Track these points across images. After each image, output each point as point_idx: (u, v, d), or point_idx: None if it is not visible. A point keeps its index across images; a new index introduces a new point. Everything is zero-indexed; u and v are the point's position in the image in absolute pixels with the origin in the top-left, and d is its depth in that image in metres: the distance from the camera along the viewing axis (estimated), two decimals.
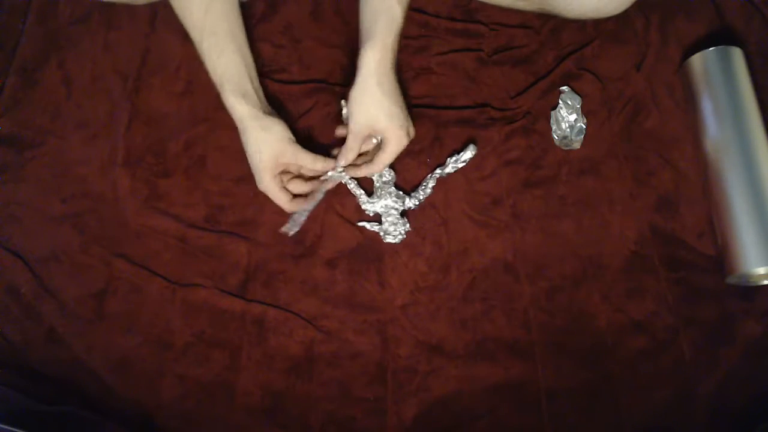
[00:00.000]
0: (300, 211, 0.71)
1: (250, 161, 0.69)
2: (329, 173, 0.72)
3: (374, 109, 0.66)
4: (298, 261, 0.72)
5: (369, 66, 0.65)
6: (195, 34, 0.70)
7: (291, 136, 0.69)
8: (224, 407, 0.66)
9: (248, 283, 0.71)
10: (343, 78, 0.81)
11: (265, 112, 0.69)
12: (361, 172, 0.71)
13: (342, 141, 0.71)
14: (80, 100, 0.81)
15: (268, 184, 0.68)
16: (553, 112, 0.76)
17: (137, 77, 0.82)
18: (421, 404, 0.65)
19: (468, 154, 0.74)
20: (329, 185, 0.72)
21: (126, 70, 0.82)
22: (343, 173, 0.72)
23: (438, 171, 0.74)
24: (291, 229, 0.71)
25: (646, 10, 0.82)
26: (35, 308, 0.70)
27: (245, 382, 0.67)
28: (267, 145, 0.67)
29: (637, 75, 0.79)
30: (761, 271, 0.66)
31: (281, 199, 0.69)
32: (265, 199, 0.74)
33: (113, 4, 0.85)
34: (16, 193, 0.76)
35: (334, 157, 0.71)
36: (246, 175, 0.76)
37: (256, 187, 0.75)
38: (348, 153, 0.69)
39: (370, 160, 0.70)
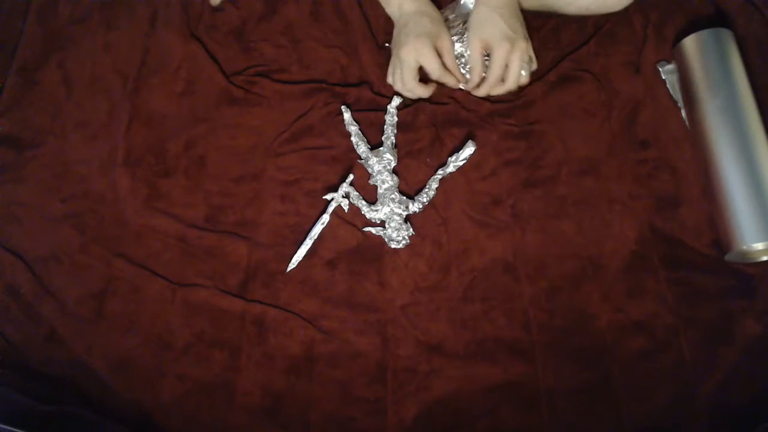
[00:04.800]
0: (307, 240, 0.72)
1: (415, 25, 0.74)
2: (333, 196, 0.73)
3: (483, 25, 0.73)
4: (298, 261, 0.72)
5: None
6: None
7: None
8: (224, 407, 0.66)
9: (248, 283, 0.71)
10: (342, 78, 0.81)
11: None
12: (482, 91, 0.76)
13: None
14: (80, 100, 0.81)
15: (427, 44, 0.73)
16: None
17: (137, 77, 0.82)
18: (421, 404, 0.65)
19: (468, 151, 0.74)
20: (333, 206, 0.73)
21: (126, 70, 0.82)
22: (342, 199, 0.73)
23: (440, 172, 0.74)
24: (292, 265, 0.71)
25: (645, 9, 0.82)
26: (35, 308, 0.70)
27: (245, 382, 0.67)
28: (437, 24, 0.75)
29: (637, 75, 0.79)
30: (760, 246, 0.66)
31: (434, 59, 0.74)
32: (265, 199, 0.75)
33: (113, 4, 0.86)
34: (16, 193, 0.76)
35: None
36: (246, 175, 0.76)
37: (256, 187, 0.75)
38: (473, 70, 0.75)
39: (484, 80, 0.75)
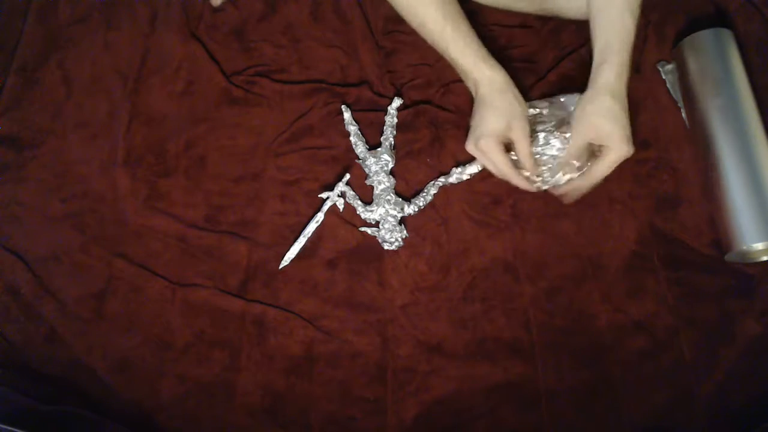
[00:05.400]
0: (301, 238, 0.72)
1: (480, 120, 0.67)
2: (329, 195, 0.73)
3: (601, 118, 0.64)
4: (298, 261, 0.72)
5: (606, 80, 0.65)
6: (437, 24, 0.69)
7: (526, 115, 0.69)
8: (224, 407, 0.66)
9: (248, 283, 0.71)
10: (342, 78, 0.81)
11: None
12: (574, 185, 0.68)
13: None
14: (80, 100, 0.81)
15: (492, 147, 0.66)
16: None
17: (137, 77, 0.82)
18: (421, 404, 0.65)
19: (474, 168, 0.74)
20: (328, 205, 0.73)
21: (126, 70, 0.82)
22: (338, 198, 0.73)
23: (441, 179, 0.74)
24: (284, 262, 0.71)
25: (645, 10, 0.81)
26: (35, 308, 0.70)
27: (245, 382, 0.67)
28: (507, 116, 0.67)
29: (637, 75, 0.79)
30: (760, 246, 0.66)
31: (501, 161, 0.67)
32: (265, 199, 0.75)
33: (113, 4, 0.86)
34: (16, 193, 0.76)
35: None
36: (246, 175, 0.76)
37: (256, 186, 0.75)
38: (567, 155, 0.68)
39: (584, 171, 0.67)
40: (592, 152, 0.68)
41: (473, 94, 0.70)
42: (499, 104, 0.67)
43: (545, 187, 0.71)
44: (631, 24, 0.67)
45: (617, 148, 0.64)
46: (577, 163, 0.68)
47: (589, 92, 0.66)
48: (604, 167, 0.65)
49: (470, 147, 0.68)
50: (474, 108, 0.70)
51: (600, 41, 0.67)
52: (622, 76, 0.66)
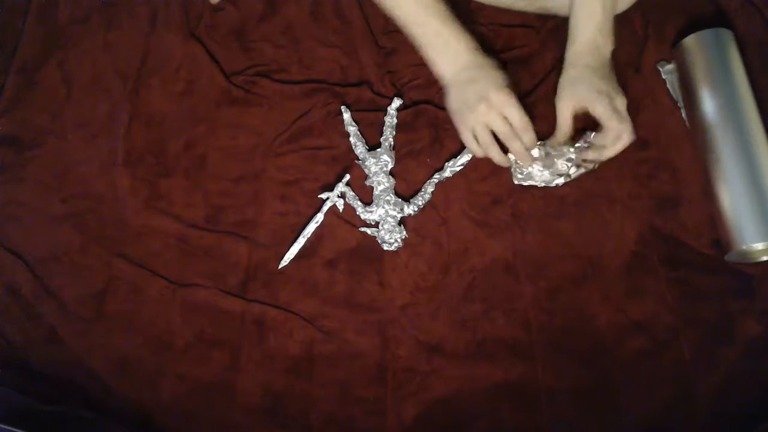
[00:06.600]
0: (300, 238, 0.72)
1: (462, 105, 0.70)
2: (328, 195, 0.73)
3: (572, 87, 0.69)
4: (298, 261, 0.72)
5: (569, 58, 0.71)
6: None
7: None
8: (224, 407, 0.66)
9: (248, 283, 0.71)
10: (342, 78, 0.81)
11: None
12: (591, 157, 0.71)
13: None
14: (80, 100, 0.81)
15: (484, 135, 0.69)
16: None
17: (137, 77, 0.82)
18: (421, 404, 0.65)
19: (465, 157, 0.74)
20: (328, 206, 0.73)
21: (126, 70, 0.82)
22: (338, 199, 0.73)
23: (437, 176, 0.74)
24: (283, 262, 0.71)
25: (645, 9, 0.82)
26: (35, 308, 0.70)
27: (245, 382, 0.67)
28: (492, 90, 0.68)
29: (637, 75, 0.79)
30: (760, 246, 0.66)
31: (494, 151, 0.70)
32: (265, 199, 0.75)
33: (113, 4, 0.86)
34: (16, 193, 0.76)
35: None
36: (246, 175, 0.76)
37: (256, 186, 0.75)
38: (560, 129, 0.70)
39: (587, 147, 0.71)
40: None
41: (443, 72, 0.71)
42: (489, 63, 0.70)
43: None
44: (598, 7, 0.69)
45: (595, 102, 0.67)
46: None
47: (564, 69, 0.71)
48: (605, 120, 0.67)
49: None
50: (457, 92, 0.70)
51: (570, 22, 0.72)
52: (585, 51, 0.70)
